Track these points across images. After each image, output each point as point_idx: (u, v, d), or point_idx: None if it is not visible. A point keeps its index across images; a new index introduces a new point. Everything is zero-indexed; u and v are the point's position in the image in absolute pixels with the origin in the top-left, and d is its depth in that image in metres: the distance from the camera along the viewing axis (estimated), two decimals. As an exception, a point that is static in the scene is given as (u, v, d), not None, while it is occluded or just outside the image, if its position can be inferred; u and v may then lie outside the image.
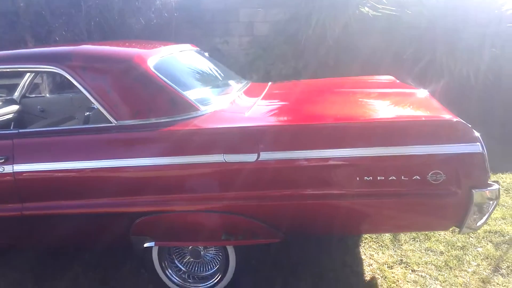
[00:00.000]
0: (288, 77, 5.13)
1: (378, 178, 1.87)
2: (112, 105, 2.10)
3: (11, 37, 4.89)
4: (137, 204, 2.08)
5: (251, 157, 1.97)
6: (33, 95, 3.60)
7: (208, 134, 2.05)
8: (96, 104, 2.11)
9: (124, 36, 4.95)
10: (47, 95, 3.78)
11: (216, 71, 2.97)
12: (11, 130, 2.20)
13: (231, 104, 2.39)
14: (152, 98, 2.13)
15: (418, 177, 1.85)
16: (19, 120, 3.45)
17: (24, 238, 2.23)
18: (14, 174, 2.09)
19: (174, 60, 2.55)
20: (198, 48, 3.05)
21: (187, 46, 2.89)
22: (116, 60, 2.18)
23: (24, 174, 2.09)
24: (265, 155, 1.95)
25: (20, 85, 3.55)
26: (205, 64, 2.90)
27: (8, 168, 2.09)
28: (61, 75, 2.14)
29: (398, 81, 3.02)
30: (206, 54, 3.06)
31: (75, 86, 2.14)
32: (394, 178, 1.86)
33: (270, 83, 3.13)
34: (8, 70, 2.22)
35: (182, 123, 2.08)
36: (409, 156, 1.87)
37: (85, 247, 2.35)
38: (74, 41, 4.98)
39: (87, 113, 2.75)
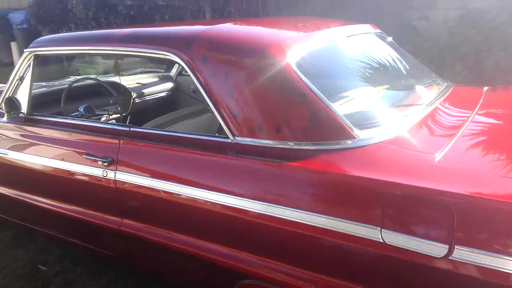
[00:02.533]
0: (509, 71, 3.62)
1: None
2: (231, 114, 1.46)
3: (191, 7, 4.82)
4: (245, 262, 1.44)
5: (435, 249, 1.08)
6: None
7: (356, 188, 1.21)
8: (212, 109, 1.51)
9: (299, 12, 4.29)
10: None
11: (400, 66, 2.01)
12: (123, 126, 1.83)
13: (415, 128, 1.45)
14: (283, 110, 1.40)
15: None
16: (171, 99, 3.23)
17: (121, 253, 1.89)
18: (116, 182, 1.71)
19: (334, 49, 1.73)
20: (378, 31, 2.12)
21: (362, 28, 2.00)
22: (246, 50, 1.50)
23: (125, 185, 1.69)
24: (464, 253, 1.03)
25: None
26: (384, 56, 1.97)
27: (110, 174, 1.72)
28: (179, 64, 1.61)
29: None
30: (390, 39, 2.10)
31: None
32: None
33: (486, 89, 1.98)
34: (114, 53, 1.82)
35: (320, 158, 1.30)
36: None
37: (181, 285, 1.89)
38: (247, 14, 4.59)
39: None
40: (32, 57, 2.06)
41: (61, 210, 1.95)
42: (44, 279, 2.06)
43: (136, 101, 2.97)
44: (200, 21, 2.09)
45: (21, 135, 2.07)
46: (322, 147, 1.32)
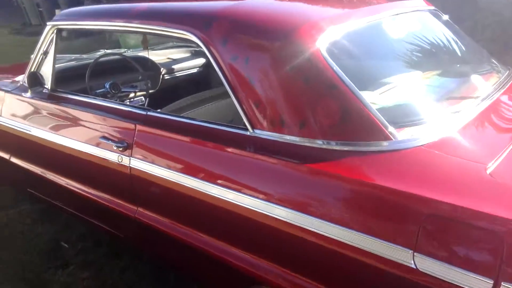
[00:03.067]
0: None
1: None
2: (251, 103, 1.30)
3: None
4: (258, 267, 1.32)
5: (477, 283, 0.90)
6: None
7: (387, 201, 1.03)
8: (232, 96, 1.36)
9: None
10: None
11: (454, 50, 1.74)
12: (140, 109, 1.72)
13: (466, 128, 1.22)
14: (309, 103, 1.22)
15: None
16: (203, 76, 3.10)
17: (136, 240, 1.83)
18: (131, 169, 1.62)
19: (375, 31, 1.49)
20: (432, 7, 1.83)
21: (412, 4, 1.74)
22: (270, 31, 1.31)
23: (139, 173, 1.59)
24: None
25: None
26: (436, 38, 1.70)
27: (125, 160, 1.63)
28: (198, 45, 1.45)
29: None
30: (445, 17, 1.82)
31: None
32: None
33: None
34: (133, 30, 1.67)
35: (348, 161, 1.13)
36: None
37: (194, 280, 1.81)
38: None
39: None
40: (55, 30, 1.98)
41: (79, 191, 1.91)
42: (64, 258, 2.07)
43: (166, 78, 2.87)
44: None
45: (44, 112, 2.03)
46: (351, 148, 1.14)
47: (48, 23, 2.01)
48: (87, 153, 1.78)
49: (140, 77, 2.68)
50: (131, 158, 1.61)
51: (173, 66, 2.93)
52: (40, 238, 2.22)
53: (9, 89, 2.23)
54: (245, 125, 1.33)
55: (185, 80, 3.00)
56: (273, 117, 1.27)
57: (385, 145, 1.12)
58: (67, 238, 2.21)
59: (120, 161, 1.65)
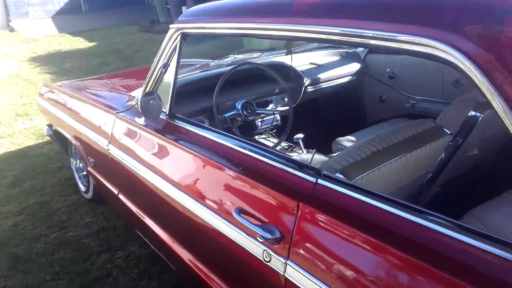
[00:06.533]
0: None
1: None
2: None
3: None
4: None
5: None
6: (384, 52, 2.28)
7: None
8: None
9: None
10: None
11: None
12: (307, 171, 0.97)
13: None
14: None
15: None
16: (356, 87, 2.31)
17: None
18: (286, 280, 0.92)
19: None
20: None
21: None
22: None
23: (294, 281, 0.89)
24: None
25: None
26: None
27: (276, 262, 0.94)
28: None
29: None
30: None
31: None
32: None
33: None
34: (299, 35, 0.91)
35: None
36: None
37: None
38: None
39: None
40: (179, 36, 1.39)
41: (193, 265, 1.31)
42: None
43: (308, 90, 2.16)
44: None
45: (156, 148, 1.47)
46: None
47: (171, 26, 1.43)
48: (215, 228, 1.14)
49: (277, 90, 2.02)
50: (287, 262, 0.91)
51: (318, 75, 2.20)
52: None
53: (121, 110, 1.74)
54: None
55: (333, 92, 2.26)
56: None
57: None
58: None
59: (267, 260, 0.96)
